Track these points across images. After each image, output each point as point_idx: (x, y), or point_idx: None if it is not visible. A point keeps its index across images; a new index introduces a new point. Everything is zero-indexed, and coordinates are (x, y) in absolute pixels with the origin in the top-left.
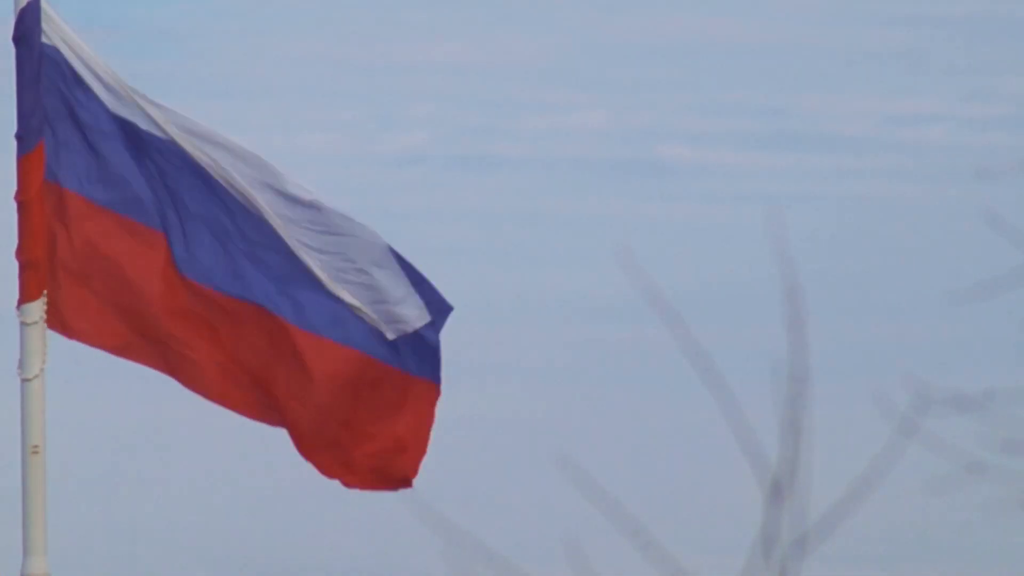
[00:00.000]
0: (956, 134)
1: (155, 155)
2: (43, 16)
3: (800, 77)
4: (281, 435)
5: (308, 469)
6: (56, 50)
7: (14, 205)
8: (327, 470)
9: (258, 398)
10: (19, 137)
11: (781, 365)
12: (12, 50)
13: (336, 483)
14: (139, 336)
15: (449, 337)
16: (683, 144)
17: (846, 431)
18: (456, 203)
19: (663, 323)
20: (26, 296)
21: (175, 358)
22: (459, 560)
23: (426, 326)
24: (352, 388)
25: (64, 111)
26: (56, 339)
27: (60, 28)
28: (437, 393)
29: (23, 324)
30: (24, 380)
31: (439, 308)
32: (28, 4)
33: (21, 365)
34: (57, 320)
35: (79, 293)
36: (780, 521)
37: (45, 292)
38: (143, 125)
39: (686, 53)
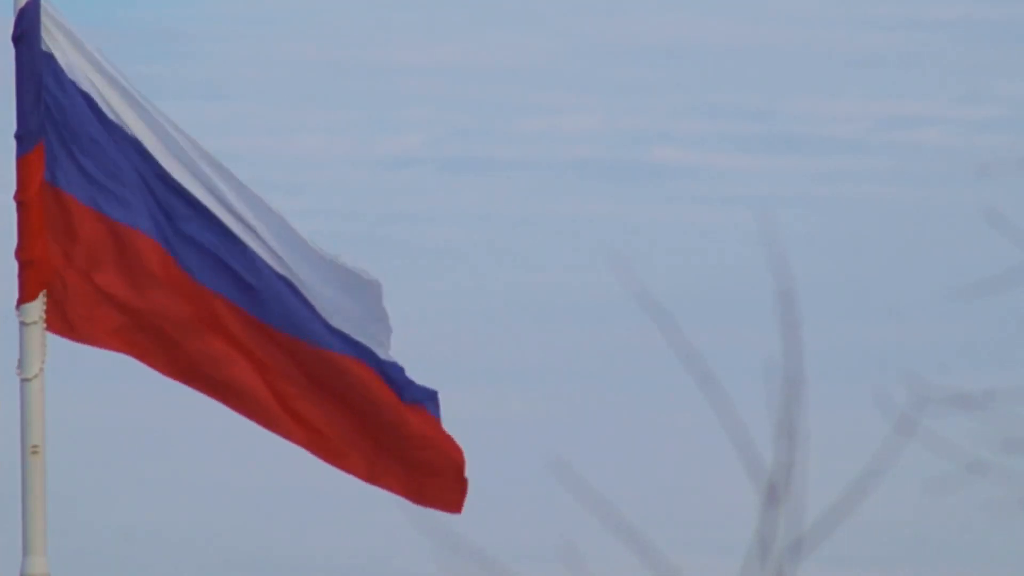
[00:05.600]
0: (950, 136)
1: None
2: (43, 19)
3: (794, 79)
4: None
5: (306, 470)
6: (51, 56)
7: (14, 205)
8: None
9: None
10: (19, 137)
11: (776, 367)
12: (12, 50)
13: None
14: (142, 338)
15: (445, 338)
16: (677, 146)
17: (842, 433)
18: (451, 205)
19: (657, 325)
20: (25, 296)
21: (180, 357)
22: (453, 563)
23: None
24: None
25: (57, 115)
26: (56, 339)
27: (62, 30)
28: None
29: (23, 324)
30: (24, 380)
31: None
32: (28, 4)
33: (21, 365)
34: (57, 323)
35: (78, 294)
36: (776, 524)
37: (44, 292)
38: (143, 140)
39: (680, 55)
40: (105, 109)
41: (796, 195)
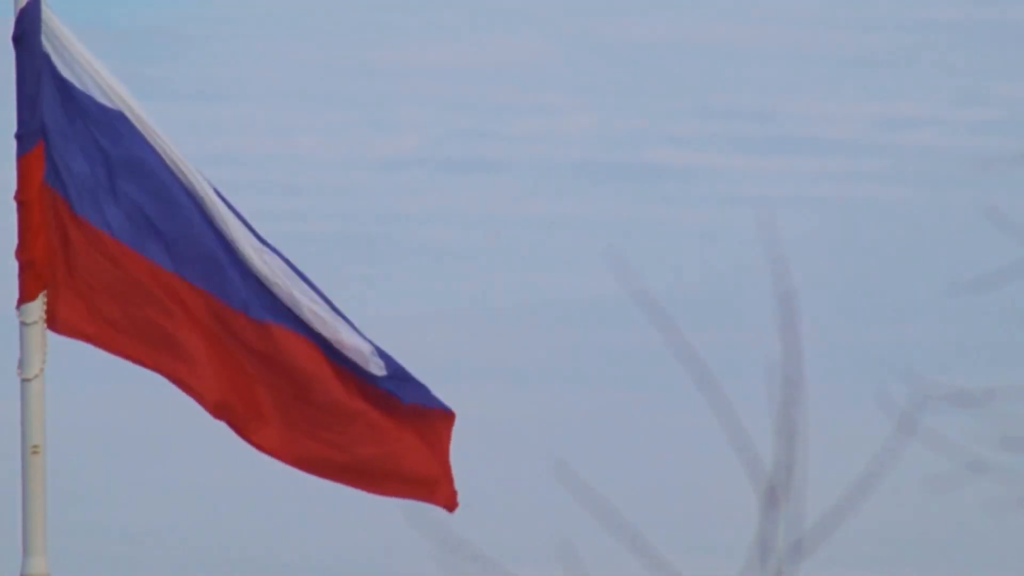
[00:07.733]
0: (948, 137)
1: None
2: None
3: (790, 80)
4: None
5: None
6: (48, 59)
7: (14, 205)
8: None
9: (249, 404)
10: (19, 137)
11: (775, 367)
12: (12, 50)
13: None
14: (133, 336)
15: (443, 339)
16: (674, 147)
17: (842, 433)
18: (449, 205)
19: (656, 326)
20: (26, 296)
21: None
22: (452, 563)
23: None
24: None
25: (57, 119)
26: (56, 339)
27: (56, 32)
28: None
29: (23, 324)
30: (24, 380)
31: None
32: (28, 4)
33: (21, 365)
34: (54, 319)
35: (75, 293)
36: (776, 525)
37: (44, 292)
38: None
39: (677, 56)
40: (101, 103)
41: (795, 195)
